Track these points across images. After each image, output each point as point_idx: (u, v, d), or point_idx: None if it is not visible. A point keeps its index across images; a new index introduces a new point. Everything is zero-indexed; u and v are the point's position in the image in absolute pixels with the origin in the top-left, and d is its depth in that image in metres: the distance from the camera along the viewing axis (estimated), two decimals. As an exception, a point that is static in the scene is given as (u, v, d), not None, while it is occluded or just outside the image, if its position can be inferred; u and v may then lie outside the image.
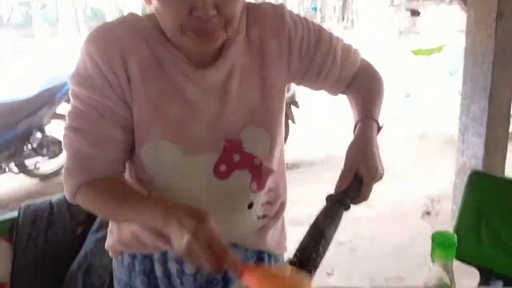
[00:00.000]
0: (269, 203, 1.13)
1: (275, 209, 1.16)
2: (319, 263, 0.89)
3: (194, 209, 0.86)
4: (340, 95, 1.19)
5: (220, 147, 1.01)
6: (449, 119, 5.21)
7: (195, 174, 1.00)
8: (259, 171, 1.04)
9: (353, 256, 3.26)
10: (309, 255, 0.87)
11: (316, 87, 1.16)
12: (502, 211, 1.78)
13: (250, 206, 1.08)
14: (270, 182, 1.11)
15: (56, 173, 4.68)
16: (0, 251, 1.57)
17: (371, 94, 1.12)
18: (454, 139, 3.36)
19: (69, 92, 1.00)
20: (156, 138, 0.98)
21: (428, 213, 3.82)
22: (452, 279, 0.78)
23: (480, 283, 1.86)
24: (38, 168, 4.80)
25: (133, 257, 1.11)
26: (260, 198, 1.10)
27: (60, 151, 4.33)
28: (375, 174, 1.00)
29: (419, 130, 5.56)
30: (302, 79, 1.11)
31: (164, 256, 1.09)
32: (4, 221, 1.61)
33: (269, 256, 1.19)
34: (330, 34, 1.11)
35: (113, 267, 1.18)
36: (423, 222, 3.67)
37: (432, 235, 0.77)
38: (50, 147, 4.47)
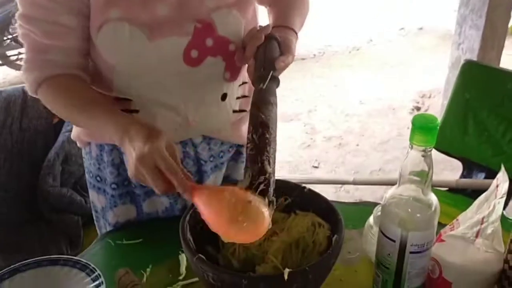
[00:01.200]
0: (244, 96, 1.07)
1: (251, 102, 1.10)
2: (274, 144, 0.81)
3: (146, 128, 0.78)
4: None
5: (189, 30, 0.91)
6: (448, 13, 5.01)
7: (162, 60, 0.91)
8: (233, 58, 0.96)
9: (341, 151, 3.28)
10: (264, 140, 0.79)
11: None
12: (491, 103, 1.74)
13: (224, 97, 1.01)
14: (244, 73, 1.04)
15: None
16: (-26, 138, 1.54)
17: (297, 11, 1.05)
18: (452, 33, 3.23)
19: None
20: (115, 20, 0.87)
21: (418, 108, 3.80)
22: (430, 166, 0.74)
23: (462, 175, 1.87)
24: (21, 59, 4.65)
25: (101, 148, 1.06)
26: (235, 90, 1.03)
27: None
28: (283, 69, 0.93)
29: (417, 24, 5.36)
30: None
31: None
32: (-24, 109, 1.55)
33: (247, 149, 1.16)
34: None
35: (82, 158, 1.14)
36: (412, 117, 3.66)
37: (413, 118, 0.72)
38: (31, 37, 4.29)
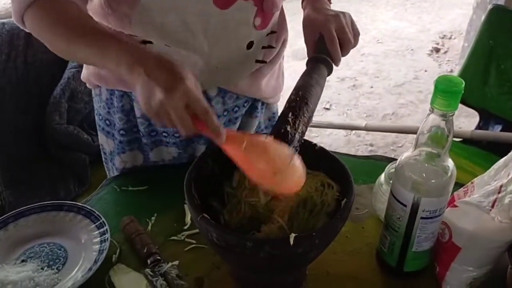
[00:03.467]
0: (270, 46, 1.00)
1: (274, 54, 1.03)
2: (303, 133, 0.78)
3: (168, 61, 0.69)
4: None
5: None
6: None
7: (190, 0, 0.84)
8: (266, 3, 0.89)
9: (354, 93, 3.21)
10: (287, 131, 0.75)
11: None
12: (517, 53, 1.65)
13: (250, 45, 0.95)
14: (274, 22, 0.97)
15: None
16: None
17: None
18: (480, -30, 3.04)
19: None
20: None
21: (437, 50, 3.66)
22: (450, 131, 0.69)
23: (478, 126, 1.82)
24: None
25: (111, 92, 1.01)
26: (262, 39, 0.97)
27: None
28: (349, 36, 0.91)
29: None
30: None
31: None
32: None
33: (263, 104, 1.11)
34: None
35: (92, 98, 1.10)
36: (430, 59, 3.53)
37: (436, 80, 0.67)
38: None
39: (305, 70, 0.86)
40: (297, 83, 0.82)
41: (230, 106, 1.04)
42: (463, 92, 0.67)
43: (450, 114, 0.67)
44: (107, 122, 1.06)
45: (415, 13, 4.28)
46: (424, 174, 0.72)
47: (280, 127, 0.74)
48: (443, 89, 0.65)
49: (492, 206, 0.73)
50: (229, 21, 0.88)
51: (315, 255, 0.71)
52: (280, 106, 1.19)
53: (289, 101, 0.78)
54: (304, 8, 0.98)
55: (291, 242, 0.63)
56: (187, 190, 0.72)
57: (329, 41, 0.87)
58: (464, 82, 0.66)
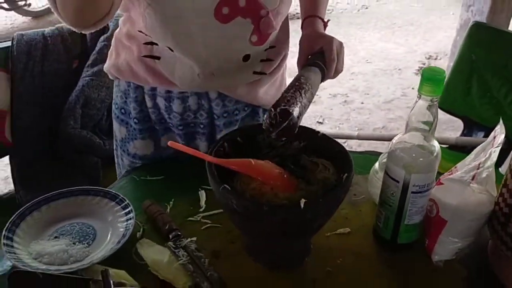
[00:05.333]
0: (269, 59, 1.10)
1: (274, 66, 1.14)
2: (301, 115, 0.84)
3: None
4: None
5: None
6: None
7: (194, 10, 0.94)
8: (263, 23, 0.98)
9: (346, 108, 3.34)
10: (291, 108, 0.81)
11: None
12: (496, 65, 1.79)
13: (246, 58, 1.03)
14: (273, 38, 1.07)
15: (48, 10, 4.54)
16: (-2, 80, 1.59)
17: None
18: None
19: None
20: None
21: (423, 69, 3.84)
22: (435, 115, 0.81)
23: (463, 134, 1.95)
24: (29, 5, 4.64)
25: (128, 84, 1.12)
26: (259, 53, 1.06)
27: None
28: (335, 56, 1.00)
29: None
30: None
31: (153, 91, 1.11)
32: (-1, 52, 1.61)
33: (264, 110, 1.20)
34: None
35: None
36: (417, 78, 3.70)
37: (422, 70, 0.78)
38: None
39: (303, 68, 0.96)
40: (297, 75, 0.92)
41: (230, 109, 1.14)
42: (445, 80, 0.79)
43: (435, 99, 0.79)
44: (122, 110, 1.17)
45: (402, 36, 4.46)
46: (413, 154, 0.83)
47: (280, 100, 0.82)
48: (429, 77, 0.77)
49: (472, 179, 0.84)
50: (227, 35, 0.97)
51: (321, 222, 0.81)
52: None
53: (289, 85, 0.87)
54: (305, 27, 1.08)
55: (302, 206, 0.73)
56: (209, 168, 0.82)
57: (329, 54, 0.98)
58: (445, 72, 0.77)
